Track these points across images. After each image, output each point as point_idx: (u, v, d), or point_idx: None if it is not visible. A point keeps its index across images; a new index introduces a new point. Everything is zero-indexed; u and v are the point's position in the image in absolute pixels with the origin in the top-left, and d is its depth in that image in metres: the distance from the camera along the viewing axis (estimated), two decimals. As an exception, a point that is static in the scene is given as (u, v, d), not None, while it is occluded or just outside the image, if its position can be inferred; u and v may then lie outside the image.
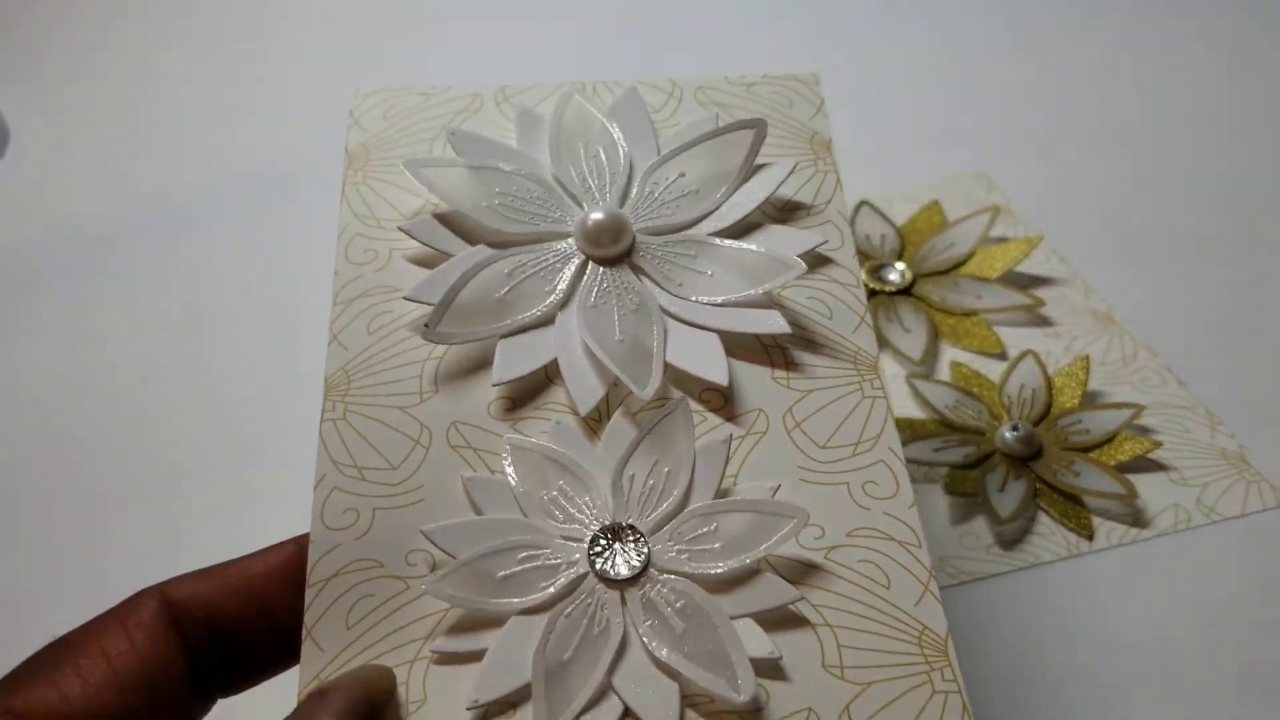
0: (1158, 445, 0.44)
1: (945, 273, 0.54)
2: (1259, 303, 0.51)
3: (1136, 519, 0.43)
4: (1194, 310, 0.51)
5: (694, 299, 0.31)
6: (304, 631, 0.26)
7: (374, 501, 0.28)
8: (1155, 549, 0.42)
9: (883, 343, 0.50)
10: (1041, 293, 0.52)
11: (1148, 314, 0.50)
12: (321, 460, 0.29)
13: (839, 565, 0.27)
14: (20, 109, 0.71)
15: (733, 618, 0.25)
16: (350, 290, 0.32)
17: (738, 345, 0.31)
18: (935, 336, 0.52)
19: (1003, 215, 0.55)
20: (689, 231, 0.33)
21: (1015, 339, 0.50)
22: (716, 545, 0.26)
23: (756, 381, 0.30)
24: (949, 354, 0.51)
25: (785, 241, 0.33)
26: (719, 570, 0.26)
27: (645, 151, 0.34)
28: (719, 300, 0.31)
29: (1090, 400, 0.47)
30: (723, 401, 0.30)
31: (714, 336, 0.30)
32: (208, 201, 0.64)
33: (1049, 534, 0.43)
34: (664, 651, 0.25)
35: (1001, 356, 0.50)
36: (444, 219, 0.33)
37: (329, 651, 0.26)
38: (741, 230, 0.33)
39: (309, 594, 0.27)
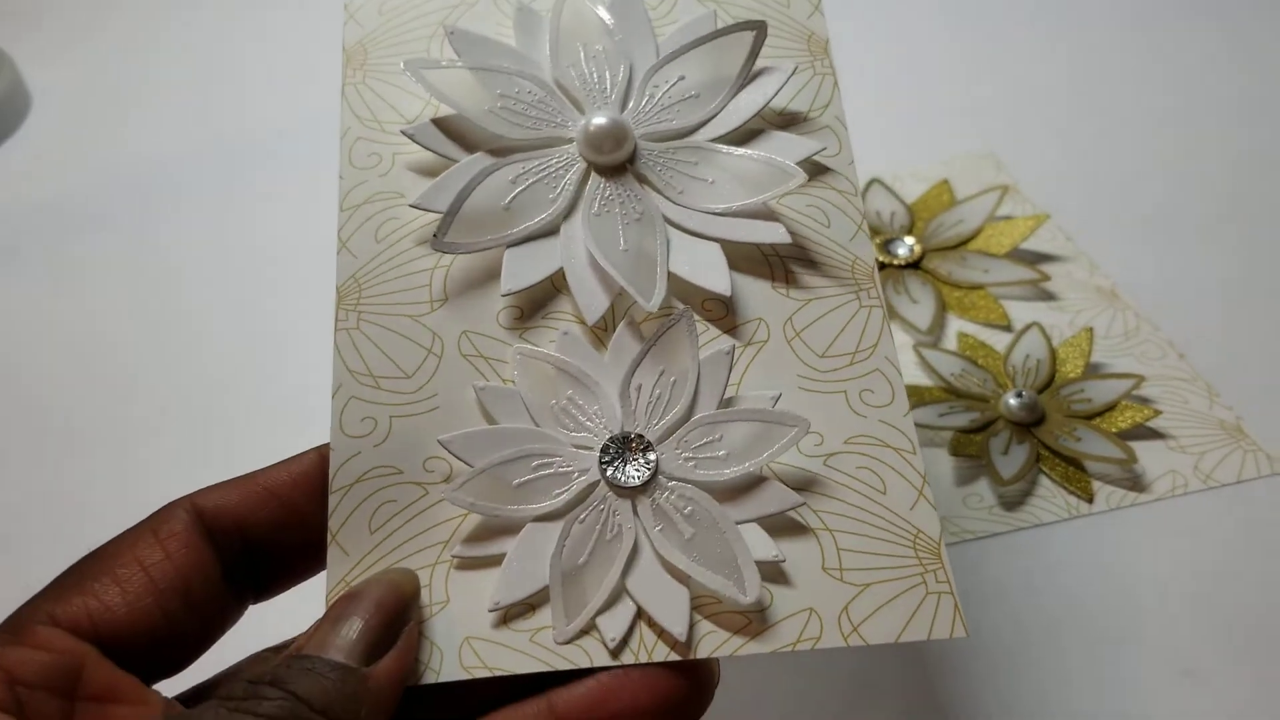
0: (1157, 414, 0.46)
1: (953, 248, 0.55)
2: (1259, 281, 0.53)
3: (1135, 483, 0.45)
4: (1196, 287, 0.52)
5: (696, 207, 0.32)
6: (329, 536, 0.27)
7: (390, 410, 0.29)
8: (1153, 512, 0.44)
9: (891, 313, 0.51)
10: (1047, 269, 0.53)
11: (1151, 291, 0.52)
12: (338, 369, 0.30)
13: (837, 472, 0.28)
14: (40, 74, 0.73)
15: (738, 523, 0.27)
16: (355, 196, 0.32)
17: (738, 254, 0.31)
18: (943, 308, 0.53)
19: (1010, 195, 0.56)
20: (690, 138, 0.33)
21: (1021, 312, 0.52)
22: (722, 453, 0.28)
23: (757, 291, 0.31)
24: (956, 325, 0.52)
25: (785, 148, 0.33)
26: (725, 477, 0.27)
27: (645, 53, 0.34)
28: (720, 209, 0.31)
29: (1093, 371, 0.48)
30: (724, 311, 0.31)
31: (716, 246, 0.31)
32: (228, 161, 0.66)
33: (1050, 496, 0.45)
34: (674, 555, 0.26)
35: (1007, 329, 0.51)
36: (445, 123, 0.33)
37: (353, 555, 0.27)
38: (742, 136, 0.33)
39: (332, 500, 0.28)
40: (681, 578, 0.26)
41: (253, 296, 0.58)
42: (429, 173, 0.33)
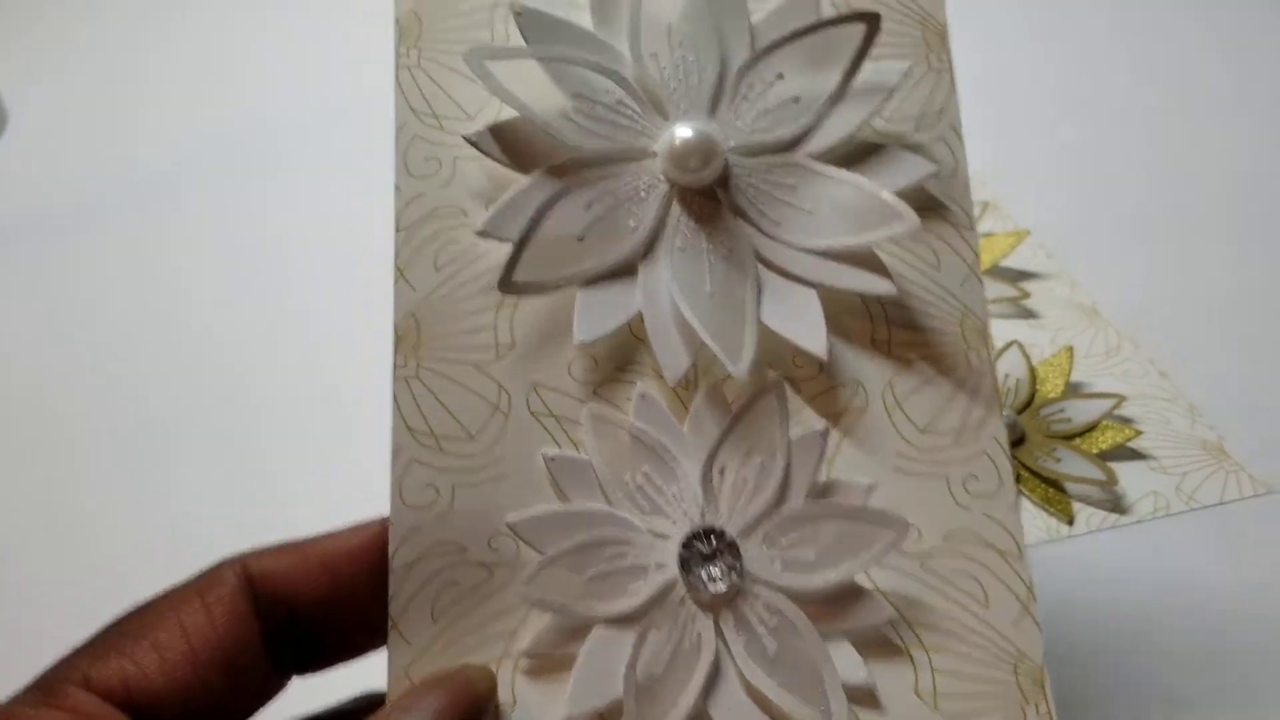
0: (1138, 434, 0.45)
1: None
2: (1241, 299, 0.52)
3: (1116, 505, 0.44)
4: (1178, 306, 0.52)
5: (793, 243, 0.28)
6: (390, 622, 0.26)
7: (454, 477, 0.27)
8: (1134, 534, 0.43)
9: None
10: (1027, 286, 0.52)
11: (1132, 308, 0.51)
12: (397, 427, 0.27)
13: (935, 577, 0.26)
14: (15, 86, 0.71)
15: (824, 636, 0.25)
16: (413, 211, 0.29)
17: (835, 302, 0.28)
18: None
19: (991, 210, 0.54)
20: (789, 154, 0.29)
21: (1001, 330, 0.51)
22: (811, 556, 0.26)
23: (854, 347, 0.28)
24: None
25: (895, 168, 0.29)
26: (814, 586, 0.25)
27: (738, 41, 0.30)
28: (820, 246, 0.28)
29: (1073, 390, 0.47)
30: (816, 370, 0.28)
31: (813, 294, 0.28)
32: (240, 149, 0.64)
33: (1030, 518, 0.44)
34: (758, 677, 0.25)
35: None
36: (513, 128, 0.29)
37: (415, 644, 0.26)
38: (847, 152, 0.29)
39: (392, 581, 0.26)
40: (764, 702, 0.25)
41: (242, 308, 0.56)
42: (494, 182, 0.29)
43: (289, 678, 0.28)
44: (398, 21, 0.31)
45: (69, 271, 0.59)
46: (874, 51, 0.29)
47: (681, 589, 0.26)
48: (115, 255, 0.60)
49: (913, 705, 0.25)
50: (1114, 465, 0.45)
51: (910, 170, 0.29)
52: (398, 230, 0.29)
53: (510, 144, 0.29)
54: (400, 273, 0.28)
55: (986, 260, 0.53)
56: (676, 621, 0.25)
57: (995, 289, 0.51)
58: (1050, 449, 0.45)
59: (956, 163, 0.30)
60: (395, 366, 0.28)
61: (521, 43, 0.29)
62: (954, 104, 0.30)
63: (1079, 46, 0.68)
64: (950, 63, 0.31)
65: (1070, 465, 0.44)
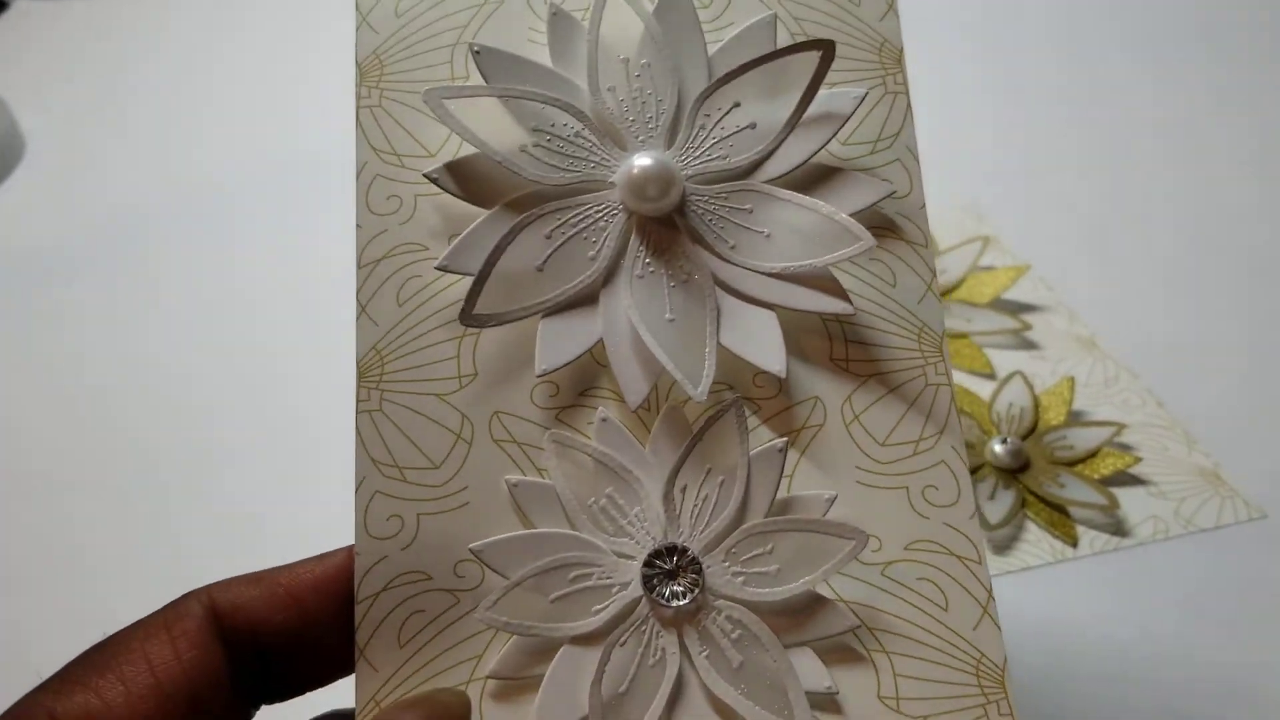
0: (1138, 460, 0.47)
1: None
2: (1235, 331, 0.54)
3: (1118, 528, 0.45)
4: (1174, 336, 0.53)
5: (750, 266, 0.29)
6: (357, 651, 0.26)
7: (418, 506, 0.27)
8: (1135, 556, 0.45)
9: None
10: (1028, 318, 0.54)
11: (1129, 340, 0.53)
12: (360, 460, 0.28)
13: (895, 584, 0.26)
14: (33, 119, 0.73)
15: (788, 646, 0.25)
16: (375, 249, 0.30)
17: (793, 322, 0.29)
18: None
19: (991, 246, 0.56)
20: (745, 180, 0.30)
21: (1003, 361, 0.52)
22: (773, 568, 0.26)
23: (812, 364, 0.29)
24: None
25: (851, 191, 0.30)
26: (776, 597, 0.26)
27: (696, 73, 0.31)
28: (777, 269, 0.29)
29: (1075, 419, 0.49)
30: (776, 390, 0.28)
31: (771, 316, 0.28)
32: (238, 189, 0.66)
33: (1036, 541, 0.45)
34: (721, 688, 0.25)
35: (990, 376, 0.52)
36: (472, 164, 0.30)
37: (383, 672, 0.26)
38: (803, 175, 0.30)
39: (359, 610, 0.26)
40: (727, 712, 0.25)
41: (249, 336, 0.57)
42: (454, 218, 0.30)
43: (256, 708, 0.28)
44: (359, 64, 0.32)
45: (77, 307, 0.60)
46: (831, 76, 0.30)
47: (645, 607, 0.26)
48: (124, 293, 0.60)
49: (876, 709, 0.25)
50: (1115, 490, 0.47)
51: (866, 192, 0.30)
52: (360, 267, 0.29)
53: (470, 180, 0.30)
54: (362, 308, 0.29)
55: (989, 293, 0.54)
56: (641, 639, 0.25)
57: (998, 321, 0.53)
58: (1054, 475, 0.46)
59: (912, 185, 0.31)
60: (358, 400, 0.28)
61: (481, 81, 0.30)
62: (909, 125, 0.31)
63: (1082, 78, 0.70)
64: (906, 85, 0.32)
65: (1074, 491, 0.46)
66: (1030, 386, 0.50)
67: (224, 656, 0.26)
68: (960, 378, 0.52)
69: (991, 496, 0.46)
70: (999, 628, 0.26)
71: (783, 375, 0.28)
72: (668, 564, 0.26)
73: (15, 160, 0.69)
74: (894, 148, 0.31)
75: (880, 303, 0.29)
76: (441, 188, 0.29)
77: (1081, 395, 0.50)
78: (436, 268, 0.28)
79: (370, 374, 0.28)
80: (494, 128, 0.29)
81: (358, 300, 0.29)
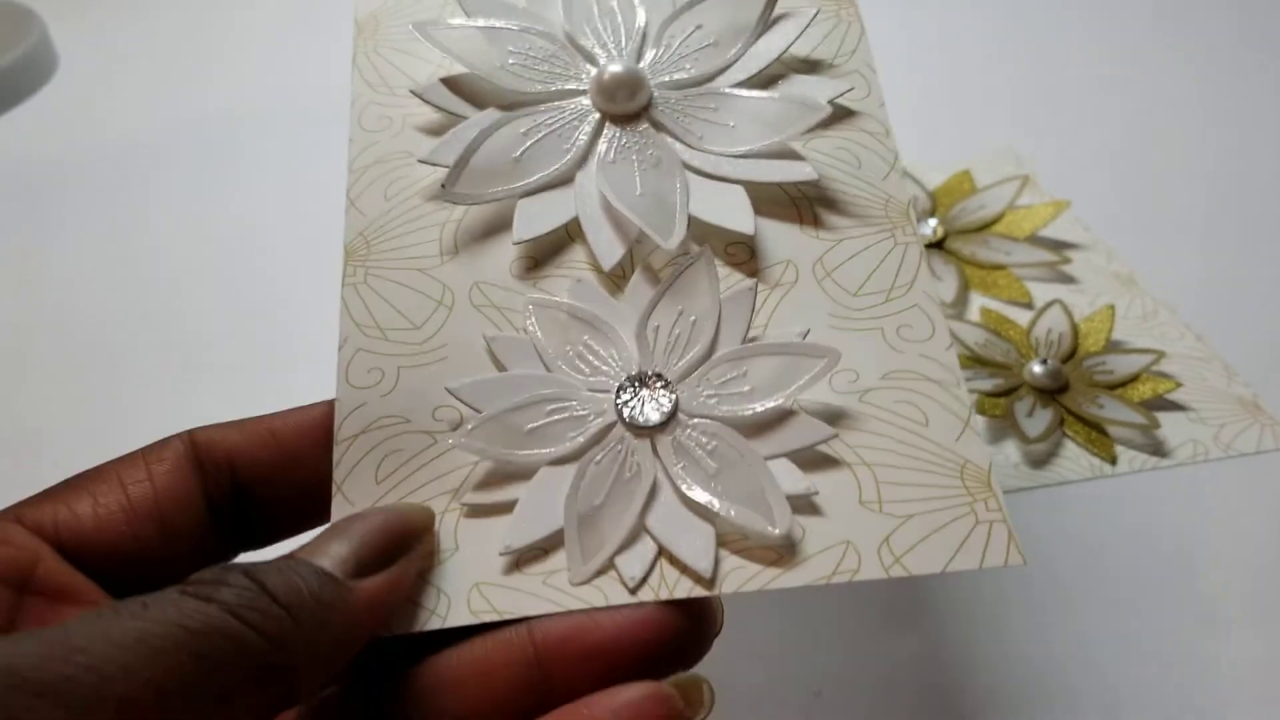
0: (1179, 385, 0.46)
1: (975, 231, 0.55)
2: (1273, 270, 0.54)
3: (1157, 449, 0.45)
4: (1212, 275, 0.54)
5: (716, 151, 0.30)
6: (334, 487, 0.26)
7: (398, 360, 0.28)
8: (1174, 477, 0.44)
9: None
10: (1066, 254, 0.54)
11: (1167, 279, 0.53)
12: (344, 323, 0.28)
13: (874, 407, 0.26)
14: (68, 34, 0.74)
15: (766, 458, 0.25)
16: (365, 157, 0.31)
17: (764, 199, 0.30)
18: (965, 285, 0.54)
19: (1029, 187, 0.57)
20: (709, 85, 0.32)
21: (1042, 293, 0.52)
22: (746, 388, 0.26)
23: (784, 233, 0.29)
24: (978, 302, 0.53)
25: (809, 91, 0.31)
26: (750, 412, 0.25)
27: (660, 5, 0.33)
28: (741, 150, 0.30)
29: (1113, 347, 0.49)
30: (749, 255, 0.29)
31: (739, 188, 0.30)
32: (254, 123, 0.67)
33: (1075, 458, 0.45)
34: (696, 491, 0.24)
35: (1029, 306, 0.52)
36: (456, 82, 0.32)
37: (358, 505, 0.26)
38: (763, 82, 0.32)
39: (337, 451, 0.26)
40: (705, 514, 0.24)
41: (270, 259, 0.57)
42: (441, 134, 0.31)
43: (237, 553, 0.27)
44: (356, 21, 0.34)
45: (103, 220, 0.61)
46: (786, 5, 0.32)
47: (620, 430, 0.26)
48: (151, 208, 0.61)
49: (857, 511, 0.24)
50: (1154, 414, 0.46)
51: (823, 90, 0.31)
52: (350, 171, 0.31)
53: (453, 96, 0.32)
54: (352, 202, 0.30)
55: (1027, 228, 0.54)
56: (616, 457, 0.25)
57: (1036, 254, 0.53)
58: (1093, 396, 0.46)
59: (870, 89, 0.32)
60: (344, 277, 0.29)
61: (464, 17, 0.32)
62: (865, 46, 0.33)
63: (1118, 22, 0.71)
64: (859, 14, 0.34)
65: (1113, 411, 0.45)
66: (1069, 314, 0.50)
67: (200, 487, 0.26)
68: (999, 307, 0.52)
69: (1029, 414, 0.46)
70: (981, 438, 0.25)
71: (751, 234, 0.28)
72: (641, 388, 0.26)
73: (49, 73, 0.70)
74: (852, 62, 0.33)
75: (846, 182, 0.30)
76: (427, 101, 0.31)
77: (1120, 328, 0.50)
78: (420, 160, 0.30)
79: (357, 254, 0.29)
80: (475, 52, 0.32)
81: (347, 197, 0.31)
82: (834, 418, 0.26)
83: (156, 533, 0.25)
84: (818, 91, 0.31)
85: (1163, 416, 0.45)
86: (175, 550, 0.25)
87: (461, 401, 0.26)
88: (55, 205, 0.62)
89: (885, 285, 0.28)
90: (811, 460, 0.25)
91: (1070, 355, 0.48)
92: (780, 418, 0.26)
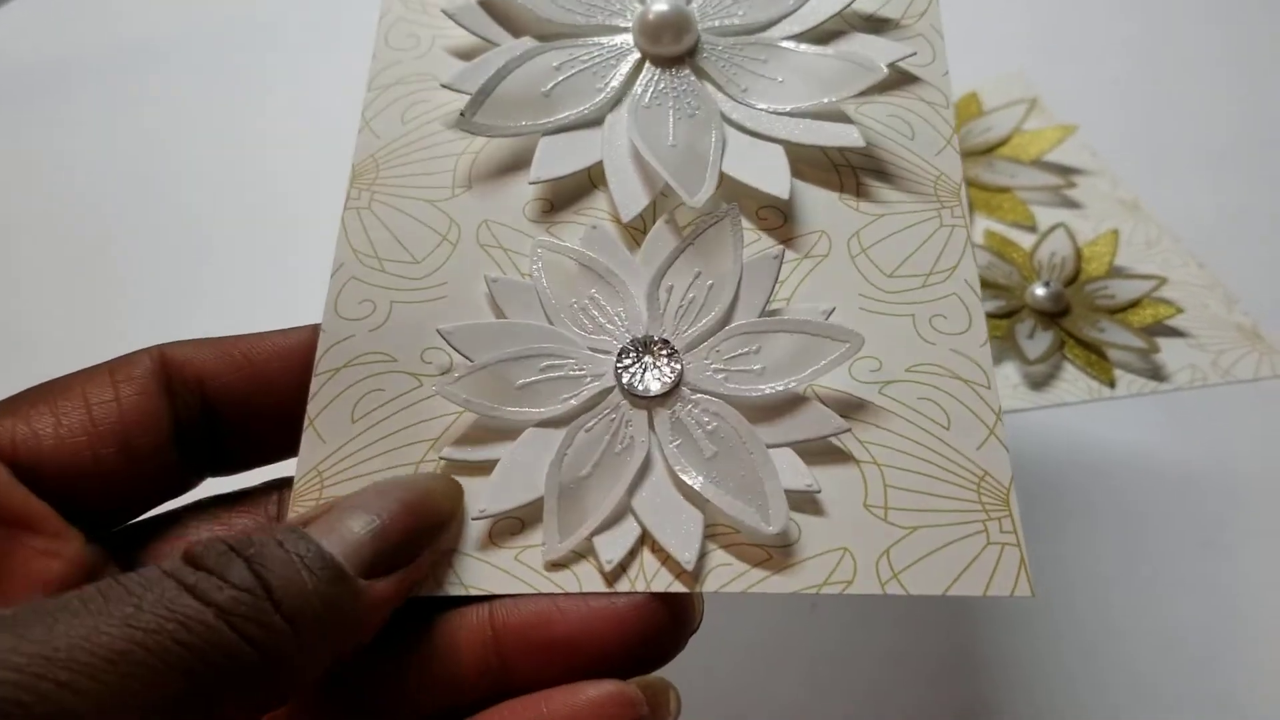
0: (1180, 311, 0.47)
1: (981, 153, 0.55)
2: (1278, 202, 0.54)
3: (1155, 373, 0.46)
4: (1217, 206, 0.53)
5: (759, 106, 0.28)
6: (306, 421, 0.24)
7: (392, 294, 0.26)
8: (1172, 400, 0.45)
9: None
10: (1072, 179, 0.54)
11: (1172, 207, 0.53)
12: (341, 247, 0.27)
13: (894, 402, 0.24)
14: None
15: (770, 446, 0.23)
16: (386, 76, 0.29)
17: (804, 161, 0.28)
18: (970, 207, 0.51)
19: (1037, 111, 0.57)
20: (761, 34, 0.29)
21: (1046, 217, 0.53)
22: (758, 367, 0.24)
23: (821, 202, 0.27)
24: (982, 224, 0.53)
25: (868, 51, 0.29)
26: (758, 394, 0.23)
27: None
28: (787, 109, 0.28)
29: (1116, 272, 0.50)
30: (781, 220, 0.27)
31: (778, 148, 0.27)
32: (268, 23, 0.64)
33: (1074, 380, 0.46)
34: (689, 474, 0.22)
35: (1032, 229, 0.52)
36: (493, 4, 0.30)
37: (331, 443, 0.24)
38: (820, 36, 0.29)
39: (315, 382, 0.25)
40: (696, 500, 0.22)
41: (276, 174, 0.56)
42: (471, 59, 0.29)
43: (202, 478, 0.26)
44: None
45: (82, 123, 0.59)
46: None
47: (617, 397, 0.24)
48: (139, 110, 0.60)
49: (860, 515, 0.22)
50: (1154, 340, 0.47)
51: (884, 53, 0.29)
52: (369, 89, 0.29)
53: (486, 19, 0.30)
54: (366, 123, 0.29)
55: (1034, 152, 0.54)
56: (610, 426, 0.23)
57: (1041, 178, 0.53)
58: (1094, 320, 0.47)
59: (935, 55, 0.30)
60: (348, 199, 0.27)
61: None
62: (935, 7, 0.31)
63: None
64: None
65: (1113, 335, 0.46)
66: (1073, 238, 0.50)
67: (168, 408, 0.24)
68: (1002, 230, 0.52)
69: (1030, 336, 0.46)
70: (1007, 450, 0.23)
71: (785, 198, 0.26)
72: (644, 354, 0.24)
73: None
74: (919, 25, 0.30)
75: (896, 153, 0.28)
76: (458, 23, 0.29)
77: (1123, 253, 0.51)
78: (443, 85, 0.28)
79: (364, 177, 0.28)
80: (516, -19, 0.29)
81: (363, 117, 0.29)
82: (849, 408, 0.24)
83: (118, 453, 0.23)
84: (877, 53, 0.29)
85: (1162, 342, 0.46)
86: (137, 472, 0.24)
87: (452, 346, 0.25)
88: (58, 103, 0.61)
89: (924, 269, 0.26)
90: (817, 450, 0.23)
91: (1072, 279, 0.49)
92: (790, 403, 0.23)
